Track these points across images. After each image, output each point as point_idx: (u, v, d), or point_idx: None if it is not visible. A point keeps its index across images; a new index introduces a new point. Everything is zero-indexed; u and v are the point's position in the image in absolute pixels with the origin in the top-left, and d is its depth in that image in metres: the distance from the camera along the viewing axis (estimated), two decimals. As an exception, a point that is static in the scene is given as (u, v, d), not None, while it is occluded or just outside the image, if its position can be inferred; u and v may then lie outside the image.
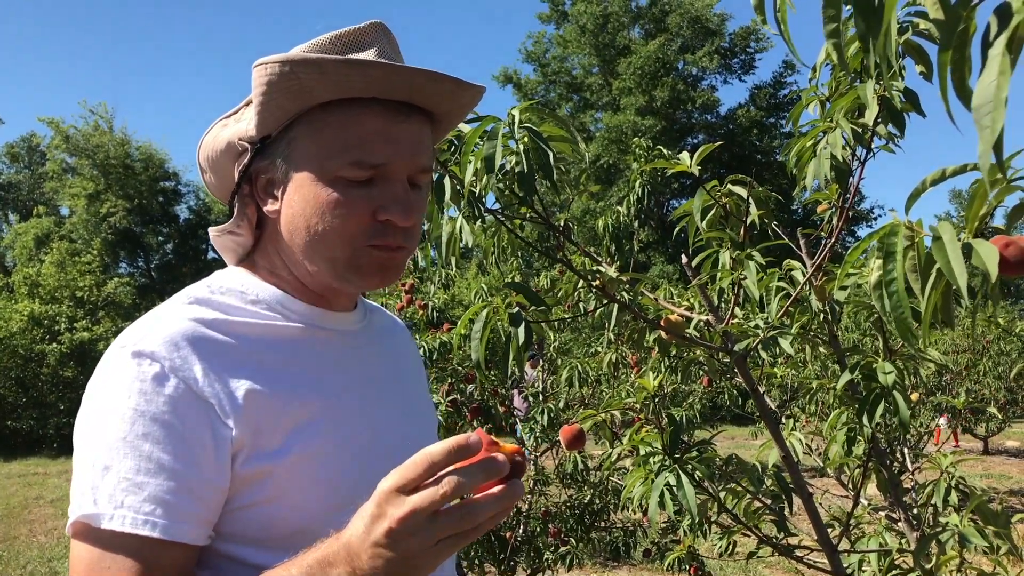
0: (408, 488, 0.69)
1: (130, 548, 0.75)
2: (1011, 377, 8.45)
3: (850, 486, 2.40)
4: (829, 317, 1.87)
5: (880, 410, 1.56)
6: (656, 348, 1.84)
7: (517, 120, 1.35)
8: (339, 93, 0.85)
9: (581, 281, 1.93)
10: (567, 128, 1.43)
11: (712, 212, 1.78)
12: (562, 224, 1.65)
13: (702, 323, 1.82)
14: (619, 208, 2.95)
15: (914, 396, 4.36)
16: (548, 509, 3.87)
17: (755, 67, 28.43)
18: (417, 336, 3.48)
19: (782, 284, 1.77)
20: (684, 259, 1.87)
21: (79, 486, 0.78)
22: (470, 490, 0.70)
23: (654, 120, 24.71)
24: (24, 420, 11.86)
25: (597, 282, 1.68)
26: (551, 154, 1.35)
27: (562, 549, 3.75)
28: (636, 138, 3.66)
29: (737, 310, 1.77)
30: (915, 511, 2.17)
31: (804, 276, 1.75)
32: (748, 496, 1.88)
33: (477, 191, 1.45)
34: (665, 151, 2.01)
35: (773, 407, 2.90)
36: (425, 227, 1.64)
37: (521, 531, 3.68)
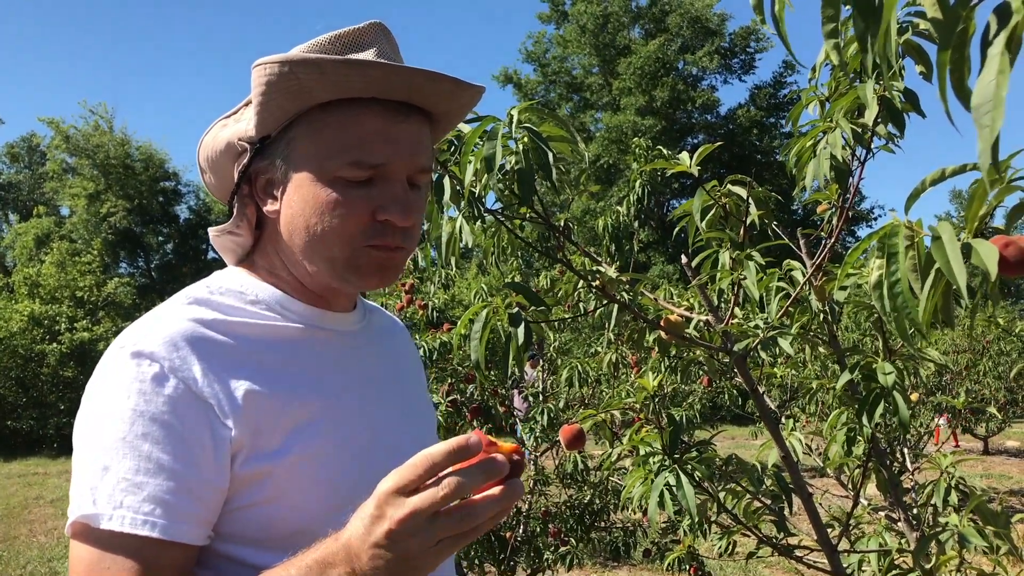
0: (408, 489, 0.69)
1: (129, 548, 0.75)
2: (1011, 377, 8.45)
3: (850, 486, 2.40)
4: (829, 317, 1.87)
5: (880, 410, 1.56)
6: (656, 348, 1.84)
7: (516, 120, 1.35)
8: (338, 93, 0.85)
9: (581, 281, 1.93)
10: (567, 128, 1.43)
11: (712, 212, 1.78)
12: (562, 224, 1.65)
13: (702, 323, 1.82)
14: (619, 208, 2.95)
15: (914, 396, 4.36)
16: (548, 509, 3.87)
17: (755, 67, 28.47)
18: (417, 336, 3.48)
19: (782, 284, 1.77)
20: (684, 259, 1.87)
21: (78, 486, 0.78)
22: (470, 491, 0.70)
23: (654, 120, 24.72)
24: (24, 420, 11.87)
25: (597, 282, 1.68)
26: (551, 154, 1.35)
27: (562, 549, 3.75)
28: (636, 138, 3.66)
29: (737, 310, 1.77)
30: (915, 511, 2.17)
31: (804, 276, 1.75)
32: (748, 496, 1.88)
33: (477, 191, 1.45)
34: (665, 151, 2.01)
35: (773, 407, 2.90)
36: (425, 227, 1.64)
37: (521, 531, 3.68)
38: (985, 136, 0.54)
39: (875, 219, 26.77)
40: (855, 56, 1.44)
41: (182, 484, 0.77)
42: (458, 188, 1.46)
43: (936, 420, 5.71)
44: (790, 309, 1.77)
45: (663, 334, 1.75)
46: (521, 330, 1.42)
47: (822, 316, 1.86)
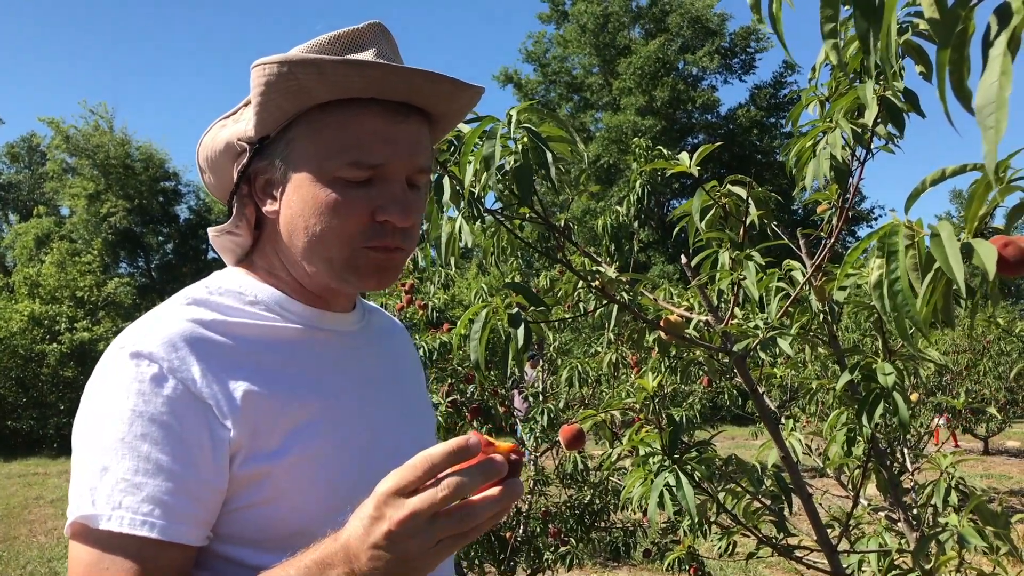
0: (407, 490, 0.69)
1: (128, 549, 0.75)
2: (1011, 377, 8.45)
3: (850, 486, 2.40)
4: (828, 317, 1.87)
5: (879, 410, 1.56)
6: (656, 348, 1.84)
7: (516, 120, 1.35)
8: (338, 93, 0.85)
9: (581, 281, 1.93)
10: (566, 128, 1.43)
11: (711, 212, 1.78)
12: (562, 224, 1.65)
13: (702, 323, 1.82)
14: (618, 208, 2.95)
15: (914, 396, 4.36)
16: (548, 509, 3.87)
17: (755, 67, 28.47)
18: (417, 336, 3.48)
19: (781, 284, 1.77)
20: (684, 259, 1.87)
21: (77, 487, 0.78)
22: (469, 492, 0.70)
23: (654, 120, 24.72)
24: (24, 420, 11.87)
25: (596, 282, 1.68)
26: (550, 154, 1.35)
27: (562, 549, 3.75)
28: (636, 138, 3.66)
29: (737, 310, 1.77)
30: (915, 511, 2.17)
31: (804, 276, 1.75)
32: (748, 496, 1.88)
33: (476, 191, 1.45)
34: (665, 151, 2.01)
35: (773, 407, 2.90)
36: (425, 227, 1.64)
37: (521, 531, 3.68)
38: (990, 137, 0.54)
39: (875, 219, 26.79)
40: (855, 56, 1.44)
41: (181, 485, 0.77)
42: (458, 188, 1.46)
43: (936, 420, 5.71)
44: (790, 309, 1.77)
45: (663, 334, 1.75)
46: (521, 331, 1.42)
47: (822, 316, 1.86)
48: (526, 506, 3.80)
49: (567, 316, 2.57)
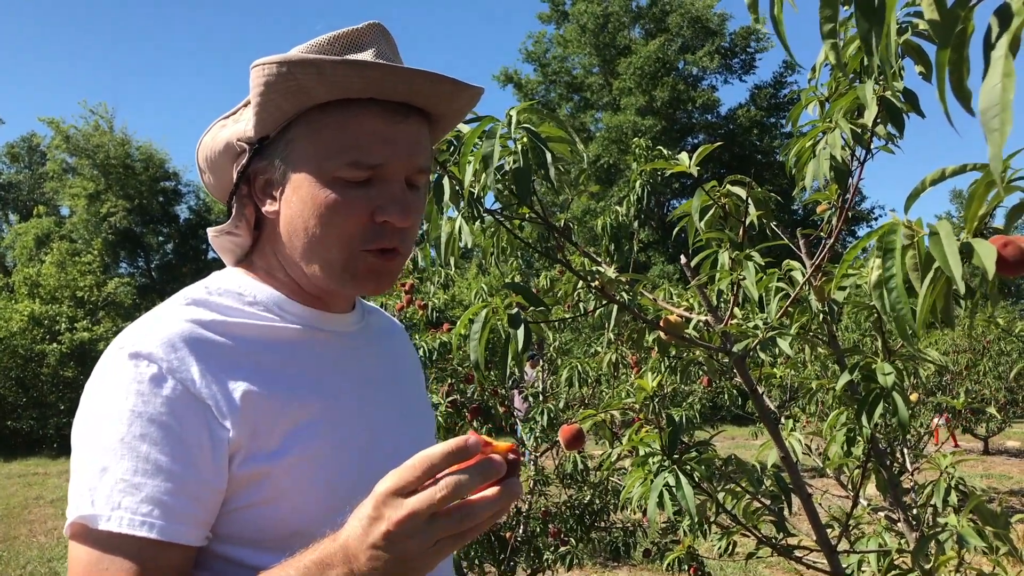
0: (406, 491, 0.69)
1: (128, 549, 0.75)
2: (1011, 377, 8.45)
3: (849, 486, 2.40)
4: (828, 317, 1.87)
5: (879, 411, 1.56)
6: (656, 348, 1.84)
7: (515, 120, 1.35)
8: (337, 94, 0.85)
9: (580, 281, 1.93)
10: (565, 129, 1.43)
11: (711, 212, 1.78)
12: (562, 224, 1.65)
13: (701, 323, 1.82)
14: (618, 208, 2.95)
15: (913, 396, 4.36)
16: (548, 509, 3.87)
17: (755, 67, 28.46)
18: (417, 336, 3.48)
19: (781, 284, 1.77)
20: (683, 259, 1.87)
21: (77, 487, 0.78)
22: (468, 492, 0.70)
23: (654, 120, 24.72)
24: (24, 420, 11.87)
25: (596, 283, 1.68)
26: (549, 154, 1.35)
27: (562, 549, 3.75)
28: (636, 138, 3.66)
29: (736, 310, 1.77)
30: (914, 511, 2.17)
31: (803, 276, 1.75)
32: (747, 496, 1.88)
33: (476, 192, 1.45)
34: (665, 151, 2.01)
35: (772, 407, 2.90)
36: (424, 227, 1.64)
37: (521, 531, 3.68)
38: (995, 140, 0.54)
39: (875, 219, 26.79)
40: (854, 56, 1.44)
41: (180, 485, 0.77)
42: (457, 188, 1.46)
43: (935, 421, 5.71)
44: (789, 309, 1.77)
45: (662, 334, 1.75)
46: (520, 331, 1.42)
47: (821, 316, 1.86)
48: (526, 506, 3.80)
49: (567, 316, 2.58)
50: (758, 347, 1.66)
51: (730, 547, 2.27)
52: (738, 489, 1.87)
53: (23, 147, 35.35)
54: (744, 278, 1.65)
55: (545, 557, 3.70)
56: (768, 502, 1.89)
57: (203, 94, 76.10)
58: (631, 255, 3.13)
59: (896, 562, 1.89)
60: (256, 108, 0.86)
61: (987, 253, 0.91)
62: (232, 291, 0.91)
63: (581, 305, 2.28)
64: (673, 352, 1.89)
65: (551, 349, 4.71)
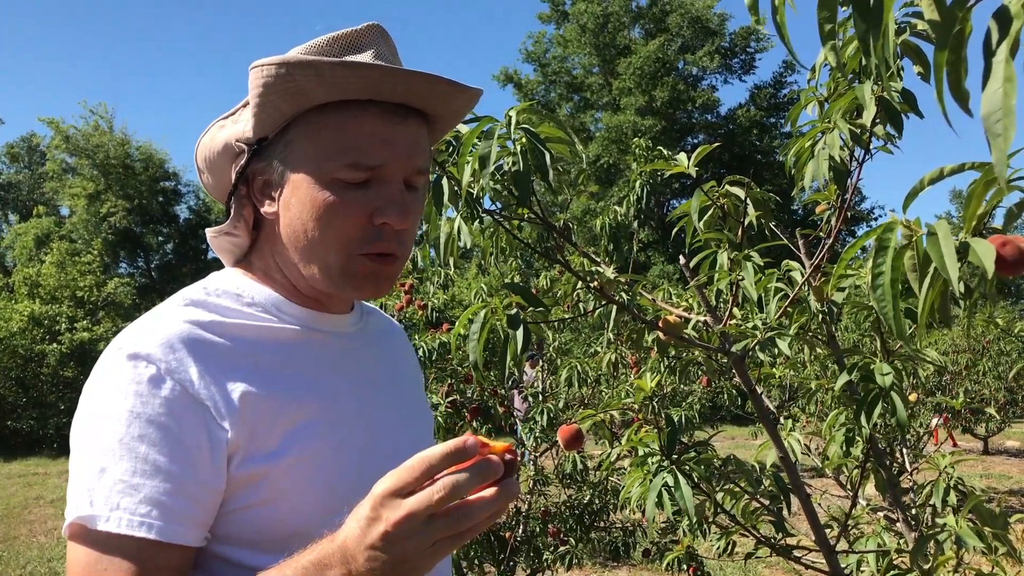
0: (404, 491, 0.69)
1: (126, 550, 0.75)
2: (1011, 377, 8.45)
3: (848, 486, 2.40)
4: (827, 318, 1.87)
5: (878, 411, 1.56)
6: (655, 348, 1.85)
7: (514, 121, 1.35)
8: (336, 95, 0.85)
9: (580, 282, 1.93)
10: (564, 129, 1.43)
11: (710, 213, 1.78)
12: (561, 224, 1.65)
13: (700, 324, 1.82)
14: (616, 208, 2.95)
15: (912, 396, 4.36)
16: (547, 509, 3.87)
17: (755, 67, 28.46)
18: (416, 336, 3.48)
19: (780, 285, 1.77)
20: (683, 259, 1.87)
21: (75, 488, 0.78)
22: (466, 493, 0.70)
23: (654, 120, 24.72)
24: (24, 420, 11.86)
25: (595, 283, 1.68)
26: (548, 155, 1.35)
27: (561, 549, 3.75)
28: (636, 138, 3.66)
29: (736, 311, 1.77)
30: (913, 511, 2.17)
31: (802, 276, 1.75)
32: (746, 497, 1.88)
33: (475, 192, 1.45)
34: (665, 151, 2.01)
35: (772, 408, 2.90)
36: (424, 228, 1.64)
37: (520, 531, 3.68)
38: (998, 145, 0.53)
39: (875, 219, 26.78)
40: (853, 57, 1.44)
41: (179, 486, 0.77)
42: (456, 189, 1.46)
43: (933, 421, 5.71)
44: (788, 309, 1.77)
45: (661, 335, 1.75)
46: (519, 332, 1.42)
47: (820, 316, 1.86)
48: (525, 506, 3.80)
49: (566, 316, 2.58)
50: (757, 347, 1.66)
51: (729, 547, 2.27)
52: (737, 489, 1.87)
53: (23, 147, 35.34)
54: (743, 278, 1.65)
55: (545, 557, 3.70)
56: (767, 502, 1.89)
57: (203, 94, 76.17)
58: (631, 255, 3.13)
59: (895, 562, 1.89)
60: (255, 109, 0.86)
61: (986, 252, 0.91)
62: (230, 292, 0.91)
63: (581, 305, 2.28)
64: (672, 352, 1.89)
65: (551, 349, 4.71)
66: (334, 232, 0.86)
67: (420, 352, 3.34)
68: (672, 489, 1.58)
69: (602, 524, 4.07)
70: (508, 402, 3.90)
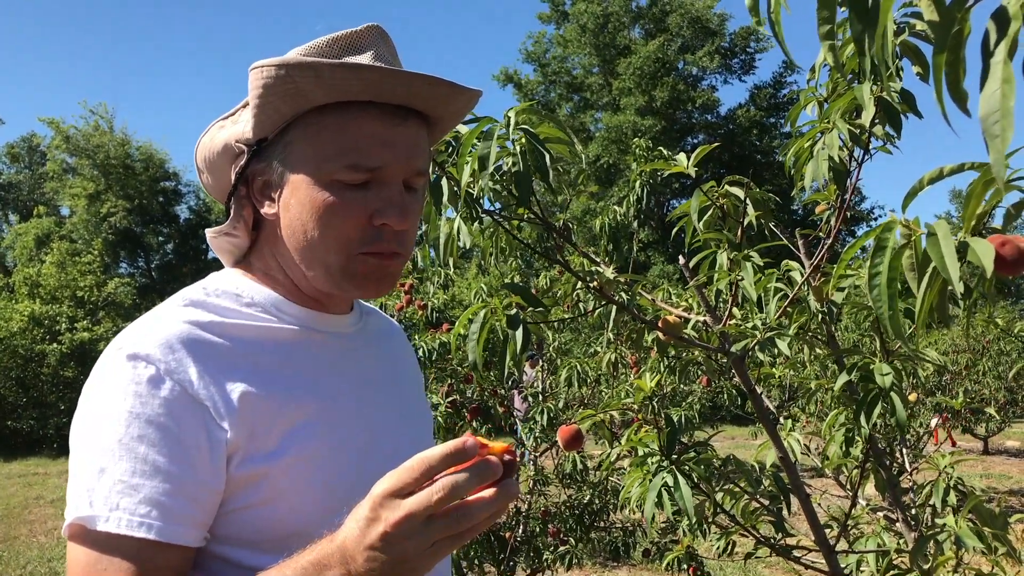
0: (403, 492, 0.69)
1: (126, 550, 0.75)
2: (1010, 377, 8.45)
3: (848, 486, 2.40)
4: (827, 318, 1.87)
5: (877, 411, 1.56)
6: (655, 348, 1.85)
7: (513, 121, 1.35)
8: (335, 96, 0.85)
9: (580, 282, 1.93)
10: (564, 129, 1.43)
11: (709, 213, 1.78)
12: (561, 225, 1.65)
13: (700, 324, 1.82)
14: (616, 208, 2.95)
15: (912, 396, 4.36)
16: (547, 509, 3.87)
17: (755, 67, 28.46)
18: (416, 336, 3.48)
19: (780, 285, 1.77)
20: (682, 260, 1.87)
21: (75, 488, 0.78)
22: (465, 493, 0.70)
23: (654, 120, 24.71)
24: (24, 420, 11.87)
25: (594, 283, 1.68)
26: (548, 155, 1.35)
27: (561, 549, 3.75)
28: (636, 138, 3.66)
29: (735, 311, 1.77)
30: (913, 511, 2.17)
31: (802, 276, 1.75)
32: (746, 497, 1.88)
33: (474, 192, 1.45)
34: (665, 151, 2.01)
35: (771, 407, 2.90)
36: (424, 228, 1.64)
37: (520, 531, 3.68)
38: (996, 146, 0.53)
39: (875, 219, 26.77)
40: (852, 57, 1.44)
41: (178, 486, 0.77)
42: (455, 189, 1.46)
43: (933, 421, 5.71)
44: (788, 309, 1.77)
45: (661, 335, 1.75)
46: (519, 332, 1.42)
47: (820, 316, 1.86)
48: (525, 506, 3.80)
49: (566, 316, 2.58)
50: (757, 347, 1.67)
51: (729, 547, 2.27)
52: (737, 489, 1.87)
53: (23, 147, 35.34)
54: (742, 278, 1.65)
55: (545, 557, 3.70)
56: (767, 502, 1.89)
57: (203, 94, 76.15)
58: (630, 255, 3.13)
59: (895, 562, 1.89)
60: (254, 110, 0.86)
61: (985, 252, 0.91)
62: (230, 292, 0.91)
63: (580, 305, 2.28)
64: (672, 352, 1.89)
65: (550, 349, 4.71)
66: (334, 233, 0.87)
67: (420, 352, 3.34)
68: (672, 489, 1.58)
69: (602, 524, 4.07)
70: (508, 402, 3.90)
